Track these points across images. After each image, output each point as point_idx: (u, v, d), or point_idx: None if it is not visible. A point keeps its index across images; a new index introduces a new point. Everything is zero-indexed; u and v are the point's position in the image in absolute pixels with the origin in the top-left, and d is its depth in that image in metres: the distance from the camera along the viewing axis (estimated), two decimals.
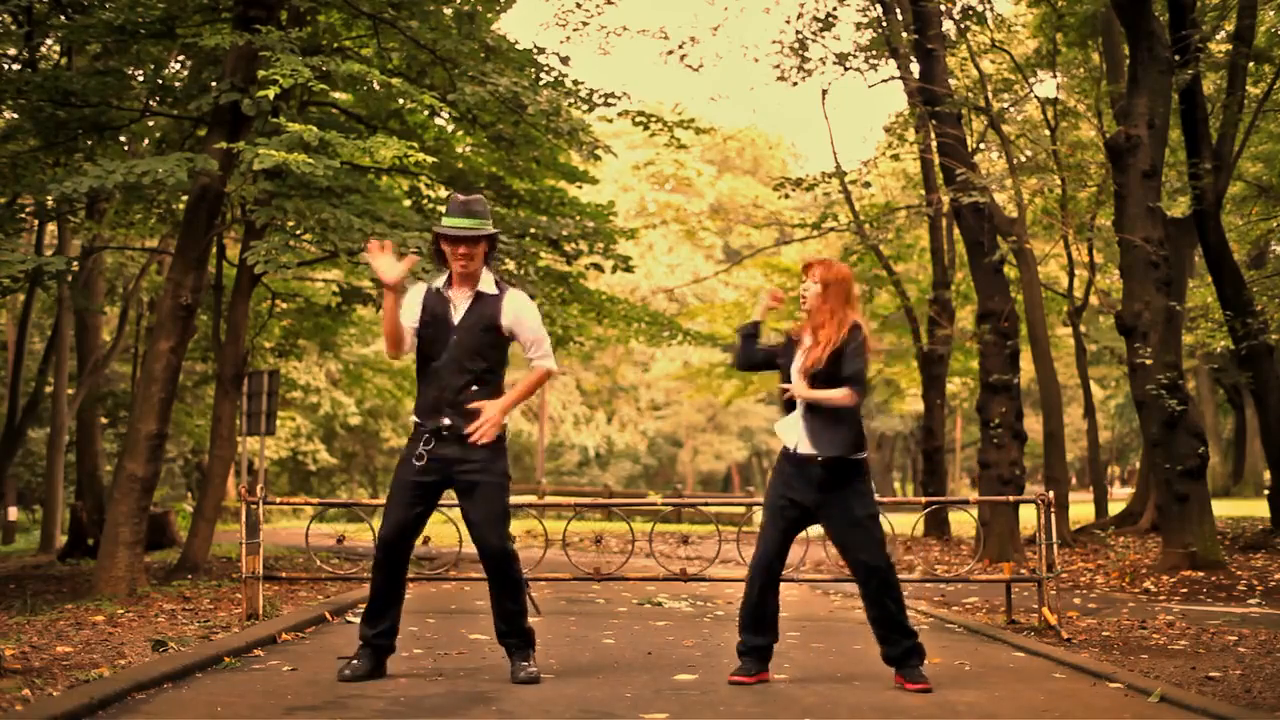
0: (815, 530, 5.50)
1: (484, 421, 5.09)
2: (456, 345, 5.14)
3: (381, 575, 5.22)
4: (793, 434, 5.22)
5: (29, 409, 19.29)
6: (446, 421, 5.12)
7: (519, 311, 5.21)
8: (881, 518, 5.46)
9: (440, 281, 5.26)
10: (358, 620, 7.56)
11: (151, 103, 11.59)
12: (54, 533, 18.67)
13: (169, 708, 4.54)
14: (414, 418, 5.27)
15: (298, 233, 10.01)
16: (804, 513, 5.23)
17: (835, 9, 17.73)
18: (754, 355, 5.51)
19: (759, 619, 5.25)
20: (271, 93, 8.54)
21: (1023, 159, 16.61)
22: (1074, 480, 43.80)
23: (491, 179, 12.86)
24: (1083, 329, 20.05)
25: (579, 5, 16.92)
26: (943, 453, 20.16)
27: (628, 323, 14.52)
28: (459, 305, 5.18)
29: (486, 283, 5.22)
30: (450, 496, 5.35)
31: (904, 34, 14.77)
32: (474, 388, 5.15)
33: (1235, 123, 13.27)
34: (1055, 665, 5.91)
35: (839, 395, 5.12)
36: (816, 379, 5.14)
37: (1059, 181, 15.97)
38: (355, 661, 5.21)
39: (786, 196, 18.00)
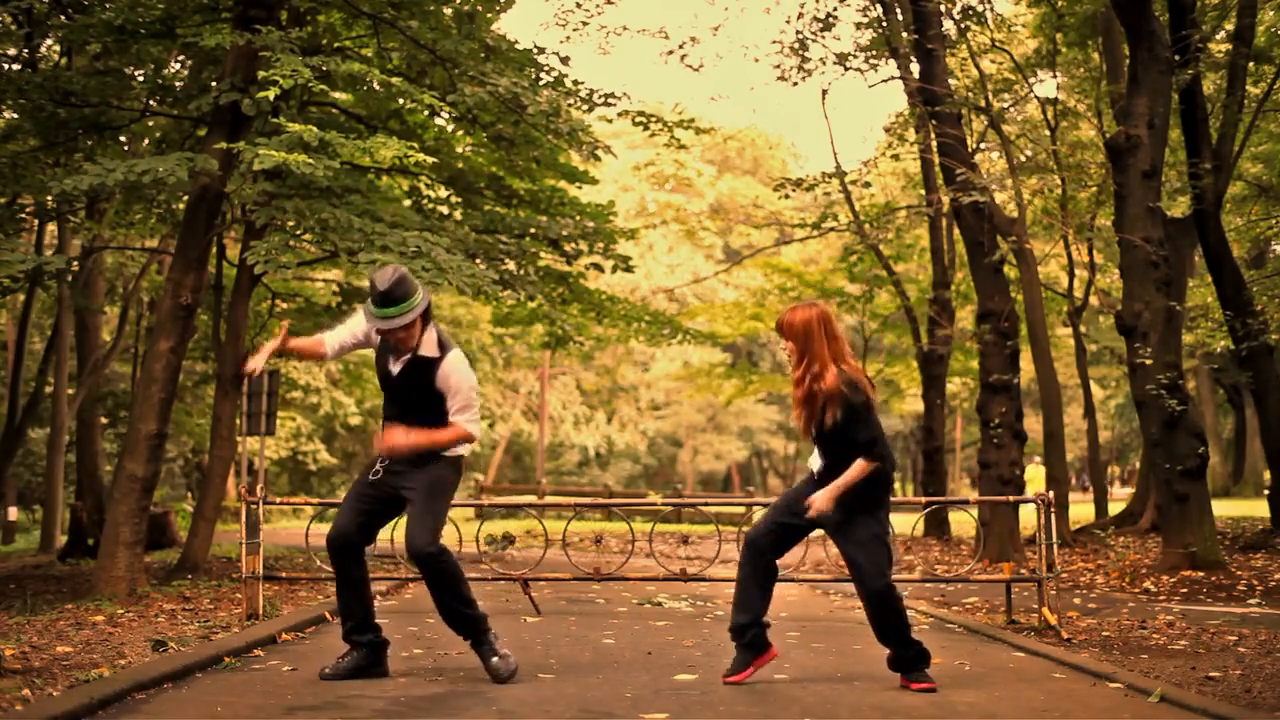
0: (815, 530, 5.49)
1: (398, 446, 5.18)
2: (398, 390, 5.29)
3: (337, 576, 5.35)
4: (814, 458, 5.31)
5: (29, 409, 19.28)
6: (395, 461, 5.26)
7: (449, 376, 5.22)
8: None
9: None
10: None
11: (151, 103, 11.59)
12: (54, 533, 18.67)
13: (169, 708, 4.54)
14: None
15: (298, 233, 10.00)
16: (810, 525, 5.24)
17: (835, 9, 17.73)
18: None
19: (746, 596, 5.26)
20: (271, 93, 8.54)
21: (1023, 159, 16.61)
22: (1073, 480, 43.78)
23: (491, 179, 12.86)
24: (1083, 329, 20.05)
25: (579, 5, 16.91)
26: (943, 453, 20.16)
27: (628, 323, 14.52)
28: (396, 362, 5.27)
29: (428, 345, 5.24)
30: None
31: (904, 34, 14.78)
32: (416, 419, 5.25)
33: (1235, 123, 13.27)
34: (1055, 665, 5.91)
35: (856, 472, 5.03)
36: (825, 439, 5.10)
37: (1059, 181, 15.96)
38: (340, 660, 5.27)
39: (786, 196, 17.99)
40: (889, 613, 5.15)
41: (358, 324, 5.36)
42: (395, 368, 5.26)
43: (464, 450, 5.32)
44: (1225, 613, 8.41)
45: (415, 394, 5.24)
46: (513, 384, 44.75)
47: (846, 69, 17.95)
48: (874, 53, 17.45)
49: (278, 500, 8.52)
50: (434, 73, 10.97)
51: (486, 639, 5.23)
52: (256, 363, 5.20)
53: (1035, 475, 26.66)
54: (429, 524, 5.16)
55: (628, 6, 51.96)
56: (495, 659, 5.17)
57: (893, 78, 17.14)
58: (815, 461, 5.27)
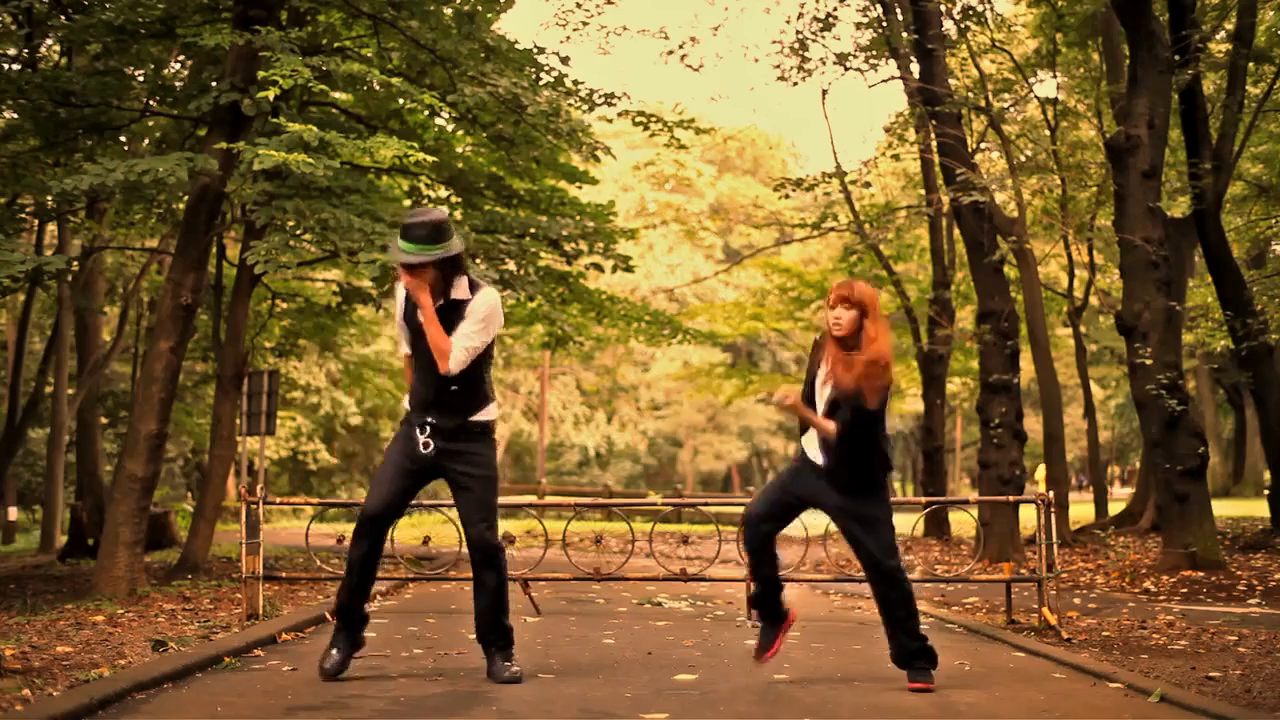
0: (815, 530, 5.50)
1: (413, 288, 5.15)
2: (428, 350, 5.19)
3: (357, 551, 5.22)
4: (811, 448, 5.25)
5: (29, 409, 19.28)
6: (432, 420, 5.20)
7: (475, 305, 5.19)
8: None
9: None
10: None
11: (151, 103, 11.59)
12: (54, 533, 18.66)
13: (169, 708, 4.54)
14: (407, 404, 5.36)
15: (298, 233, 10.00)
16: (807, 504, 5.27)
17: (835, 9, 17.71)
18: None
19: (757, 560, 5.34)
20: (271, 93, 8.53)
21: (1023, 159, 16.60)
22: (1074, 480, 43.78)
23: (491, 179, 12.85)
24: (1083, 329, 20.05)
25: (579, 5, 16.90)
26: (943, 453, 20.16)
27: (628, 322, 14.51)
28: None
29: (459, 289, 5.22)
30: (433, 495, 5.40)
31: (904, 34, 14.77)
32: (453, 387, 5.20)
33: (1235, 123, 13.26)
34: (1055, 665, 5.91)
35: (829, 426, 5.12)
36: (837, 404, 5.12)
37: (1059, 181, 15.96)
38: (334, 651, 5.21)
39: (786, 197, 17.99)
40: (898, 594, 5.18)
41: (399, 315, 5.37)
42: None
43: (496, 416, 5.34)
44: (1225, 613, 8.41)
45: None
46: (513, 384, 44.76)
47: (846, 69, 17.94)
48: (874, 53, 17.43)
49: (278, 500, 8.52)
50: (434, 73, 10.97)
51: (511, 654, 5.24)
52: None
53: (1040, 474, 26.74)
54: (493, 517, 5.20)
55: (628, 6, 51.98)
56: (509, 670, 5.17)
57: (893, 78, 17.14)
58: (815, 452, 5.22)
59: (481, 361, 5.26)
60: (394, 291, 5.49)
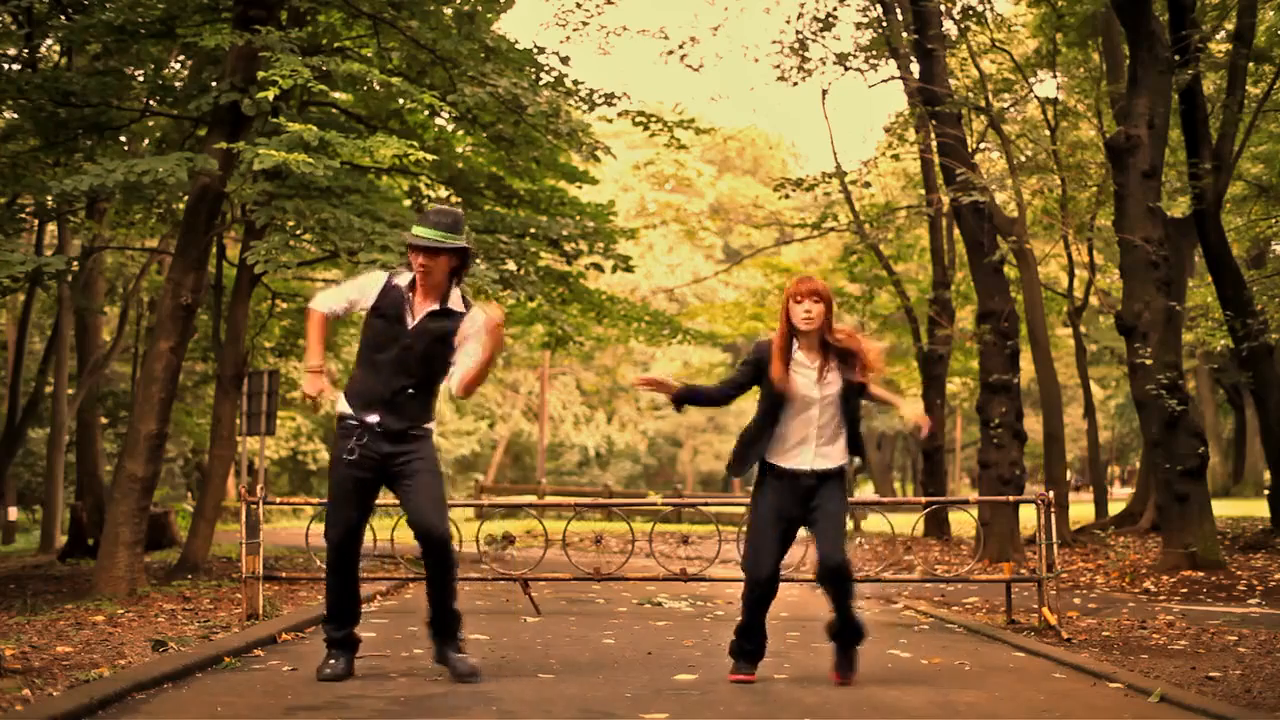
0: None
1: (466, 376, 5.14)
2: (405, 350, 5.15)
3: (338, 578, 5.23)
4: (804, 457, 5.16)
5: (29, 409, 19.28)
6: (375, 419, 5.14)
7: (475, 321, 5.16)
8: (880, 517, 5.46)
9: (404, 280, 5.23)
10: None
11: (151, 103, 11.59)
12: (54, 533, 18.66)
13: (169, 708, 4.54)
14: (343, 405, 5.23)
15: (298, 233, 10.01)
16: (795, 524, 5.24)
17: (835, 9, 17.72)
18: (716, 393, 5.41)
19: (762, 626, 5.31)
20: (271, 93, 8.54)
21: (1023, 159, 16.61)
22: (1074, 480, 43.75)
23: (491, 179, 12.85)
24: (1083, 329, 20.05)
25: (579, 5, 16.91)
26: (943, 453, 20.16)
27: (628, 323, 14.51)
28: (418, 310, 5.17)
29: (454, 300, 5.21)
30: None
31: (904, 34, 14.77)
32: (410, 391, 5.17)
33: (1235, 123, 13.26)
34: (1055, 665, 5.91)
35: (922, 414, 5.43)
36: (849, 391, 5.15)
37: (1059, 181, 15.96)
38: (333, 661, 5.21)
39: (786, 197, 18.00)
40: (848, 593, 5.15)
41: (359, 287, 5.29)
42: (413, 319, 5.15)
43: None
44: (1225, 613, 8.41)
45: (430, 346, 5.13)
46: (513, 384, 44.75)
47: (846, 69, 17.95)
48: (874, 53, 17.45)
49: (278, 500, 8.52)
50: (434, 73, 10.97)
51: (460, 643, 5.23)
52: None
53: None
54: (443, 507, 5.16)
55: (628, 6, 51.97)
56: (465, 663, 5.16)
57: (893, 78, 17.15)
58: (808, 457, 5.15)
59: (441, 374, 5.23)
60: (373, 275, 5.38)
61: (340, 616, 5.26)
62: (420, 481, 5.12)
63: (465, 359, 5.15)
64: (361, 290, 5.29)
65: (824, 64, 18.24)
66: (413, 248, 5.14)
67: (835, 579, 5.11)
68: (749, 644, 5.30)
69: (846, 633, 5.23)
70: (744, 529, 5.87)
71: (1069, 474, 33.44)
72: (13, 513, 22.85)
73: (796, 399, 5.13)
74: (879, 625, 7.83)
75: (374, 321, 5.21)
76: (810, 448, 5.15)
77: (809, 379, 5.13)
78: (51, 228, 18.30)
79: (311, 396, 5.27)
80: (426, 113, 11.02)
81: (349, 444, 5.15)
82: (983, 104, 14.94)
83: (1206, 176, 12.58)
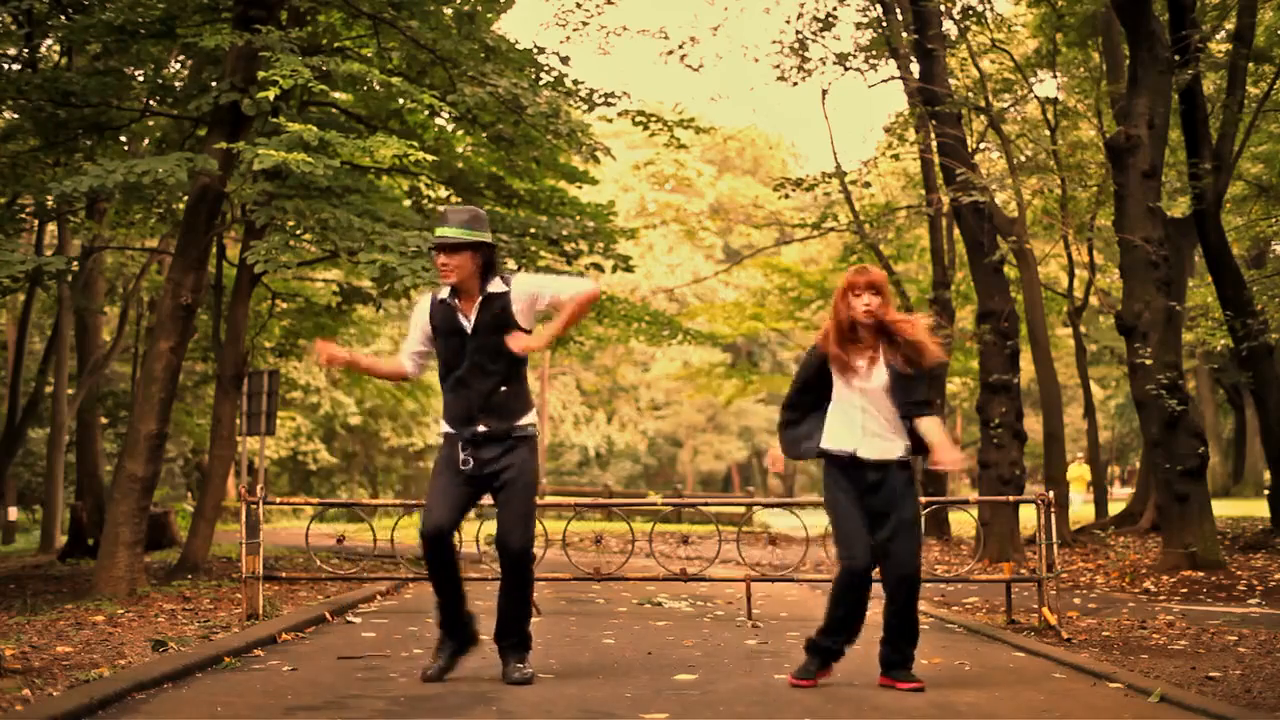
0: (815, 529, 5.47)
1: (534, 340, 5.20)
2: (476, 352, 5.15)
3: (432, 576, 5.21)
4: (865, 442, 5.12)
5: (29, 409, 19.28)
6: (481, 428, 5.15)
7: (527, 287, 5.21)
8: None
9: (444, 292, 5.24)
10: (358, 620, 7.58)
11: (151, 103, 11.59)
12: (54, 533, 18.66)
13: (169, 708, 4.54)
14: (445, 426, 5.25)
15: (298, 233, 10.01)
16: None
17: (835, 9, 17.71)
18: (808, 414, 5.30)
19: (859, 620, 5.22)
20: (271, 93, 8.54)
21: (1023, 159, 16.61)
22: (1115, 476, 43.77)
23: (491, 179, 12.86)
24: (1083, 329, 20.04)
25: (579, 5, 16.91)
26: None
27: (628, 322, 14.51)
28: (469, 312, 5.18)
29: (494, 284, 5.22)
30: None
31: (904, 34, 14.77)
32: (502, 389, 5.18)
33: (1235, 123, 13.26)
34: (1055, 665, 5.91)
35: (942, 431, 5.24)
36: (900, 378, 5.11)
37: (1059, 181, 15.96)
38: (436, 657, 5.26)
39: (786, 196, 17.99)
40: (916, 601, 5.12)
41: (416, 323, 5.33)
42: (470, 319, 5.16)
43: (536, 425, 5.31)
44: (1225, 613, 8.41)
45: (495, 334, 5.13)
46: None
47: (846, 69, 17.94)
48: (874, 53, 17.44)
49: (278, 500, 8.52)
50: (434, 73, 10.97)
51: (526, 657, 5.23)
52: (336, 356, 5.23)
53: (1080, 472, 26.75)
54: (530, 525, 5.18)
55: (628, 6, 51.97)
56: (521, 671, 5.15)
57: (893, 78, 17.14)
58: (853, 440, 5.10)
59: (524, 362, 5.26)
60: (420, 302, 5.40)
61: (441, 613, 5.26)
62: (514, 496, 5.14)
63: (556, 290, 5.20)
64: (416, 326, 5.33)
65: (824, 64, 18.23)
66: (436, 248, 5.15)
67: (909, 588, 5.09)
68: (832, 641, 5.21)
69: (911, 635, 5.19)
70: (744, 529, 5.85)
71: (1110, 470, 33.38)
72: (13, 513, 22.86)
73: (857, 389, 5.12)
74: (879, 625, 7.83)
75: (438, 342, 5.25)
76: (869, 437, 5.11)
77: (865, 368, 5.12)
78: (51, 228, 18.30)
79: (330, 358, 5.24)
80: (426, 113, 11.02)
81: (459, 455, 5.16)
82: (983, 104, 14.94)
83: (1206, 176, 12.58)
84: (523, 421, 5.21)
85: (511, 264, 11.75)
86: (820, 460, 5.23)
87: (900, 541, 5.05)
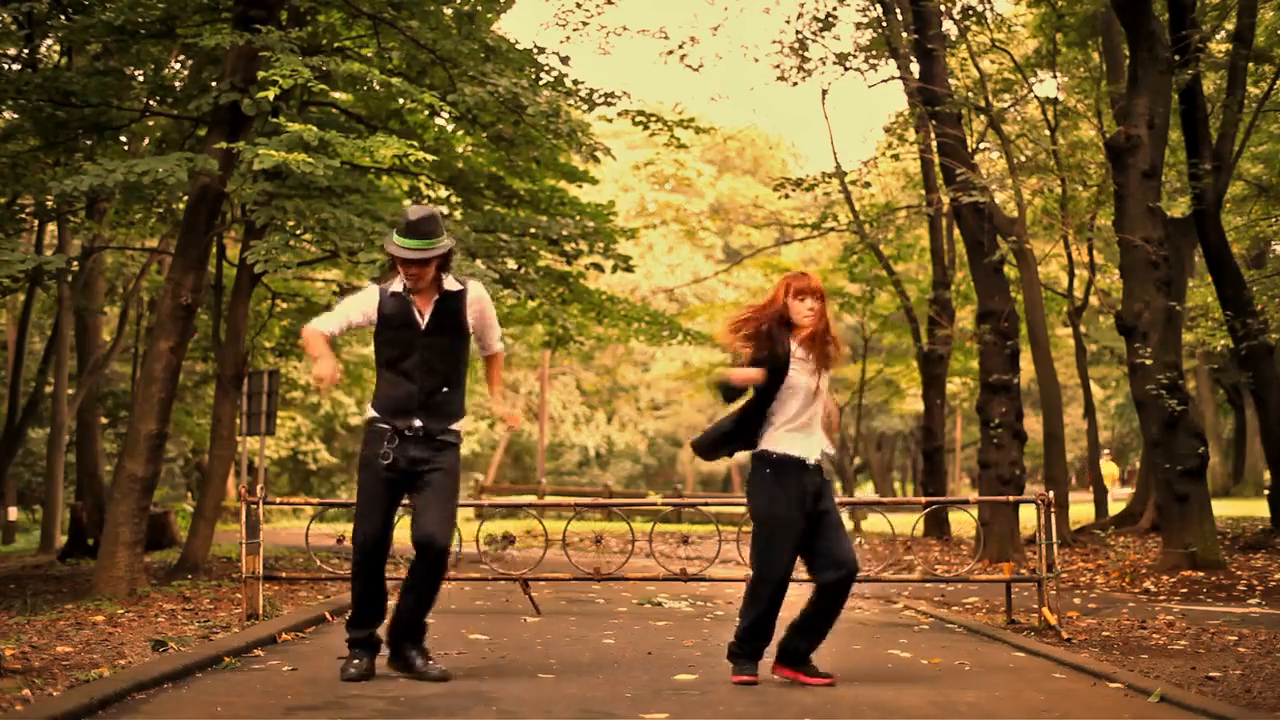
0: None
1: (511, 416, 5.71)
2: (427, 349, 5.18)
3: (363, 581, 5.25)
4: (811, 447, 5.21)
5: (29, 409, 19.28)
6: (417, 423, 5.16)
7: (483, 304, 5.31)
8: (880, 517, 5.46)
9: (397, 285, 5.24)
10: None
11: (151, 103, 11.59)
12: (54, 533, 18.66)
13: (169, 708, 4.54)
14: (373, 414, 5.24)
15: (298, 233, 10.01)
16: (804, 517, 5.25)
17: (835, 9, 17.73)
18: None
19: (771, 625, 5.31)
20: (271, 93, 8.54)
21: (1023, 159, 16.61)
22: (1074, 480, 43.75)
23: (491, 179, 12.86)
24: (1083, 329, 20.05)
25: (579, 5, 16.91)
26: (943, 453, 20.16)
27: (628, 323, 14.51)
28: (425, 309, 5.20)
29: (449, 282, 5.26)
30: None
31: (904, 34, 14.77)
32: (444, 389, 5.21)
33: (1235, 123, 13.26)
34: (1055, 665, 5.91)
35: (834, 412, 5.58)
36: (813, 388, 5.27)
37: (1059, 181, 15.96)
38: (357, 661, 5.22)
39: (786, 196, 18.00)
40: (845, 597, 5.23)
41: (357, 306, 5.30)
42: (424, 316, 5.18)
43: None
44: (1225, 613, 8.41)
45: (446, 334, 5.19)
46: (513, 384, 44.71)
47: (846, 69, 17.96)
48: (874, 53, 17.46)
49: (278, 500, 8.52)
50: (434, 73, 10.97)
51: (423, 643, 5.27)
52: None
53: (1110, 470, 26.84)
54: (451, 519, 5.20)
55: (628, 6, 52.00)
56: (434, 666, 5.18)
57: (893, 78, 17.15)
58: (809, 446, 5.18)
59: (466, 362, 5.31)
60: (367, 289, 5.42)
61: (365, 617, 5.27)
62: (437, 492, 5.14)
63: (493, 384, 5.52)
64: (358, 309, 5.29)
65: (824, 64, 18.25)
66: (400, 260, 5.14)
67: (847, 585, 5.20)
68: (758, 643, 5.28)
69: (823, 633, 5.28)
70: (744, 529, 5.86)
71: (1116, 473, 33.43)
72: (13, 513, 22.86)
73: (800, 390, 5.18)
74: (879, 625, 7.83)
75: (385, 334, 5.23)
76: (814, 439, 5.22)
77: (805, 370, 5.20)
78: (51, 228, 18.30)
79: (323, 378, 5.16)
80: (426, 113, 11.03)
81: (383, 448, 5.15)
82: (983, 104, 14.94)
83: (1206, 176, 12.58)
84: (455, 426, 5.24)
85: (511, 264, 11.74)
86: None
87: (838, 539, 5.19)
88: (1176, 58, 11.83)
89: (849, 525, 17.49)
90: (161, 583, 9.91)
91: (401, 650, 5.24)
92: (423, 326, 5.19)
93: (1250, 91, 14.89)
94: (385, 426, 5.17)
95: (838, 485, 27.95)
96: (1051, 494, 7.87)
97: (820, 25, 17.74)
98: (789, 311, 5.20)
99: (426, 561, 5.13)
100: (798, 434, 5.19)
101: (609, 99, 11.48)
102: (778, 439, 5.19)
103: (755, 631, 5.24)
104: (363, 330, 5.42)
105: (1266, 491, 16.62)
